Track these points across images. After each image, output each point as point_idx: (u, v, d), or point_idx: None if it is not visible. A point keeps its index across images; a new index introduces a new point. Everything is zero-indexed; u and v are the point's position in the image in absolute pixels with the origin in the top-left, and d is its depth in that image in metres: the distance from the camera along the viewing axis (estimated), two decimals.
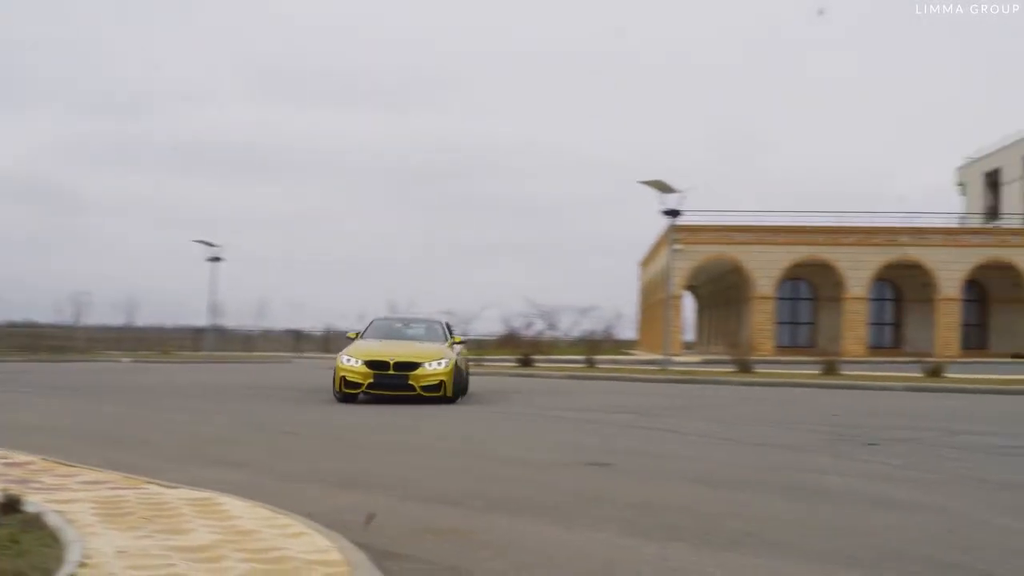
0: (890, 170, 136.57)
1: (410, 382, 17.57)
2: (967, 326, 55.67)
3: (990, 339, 57.51)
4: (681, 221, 37.37)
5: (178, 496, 6.55)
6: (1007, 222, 66.75)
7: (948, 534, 6.12)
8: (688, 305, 67.44)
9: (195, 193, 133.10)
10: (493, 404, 18.14)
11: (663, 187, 33.01)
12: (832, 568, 5.23)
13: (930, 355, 40.25)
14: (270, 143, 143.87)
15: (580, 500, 7.44)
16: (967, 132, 65.84)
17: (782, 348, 53.30)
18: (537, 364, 35.63)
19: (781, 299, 55.42)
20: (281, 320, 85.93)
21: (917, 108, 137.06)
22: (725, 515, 6.81)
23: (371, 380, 17.60)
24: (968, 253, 53.30)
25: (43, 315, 62.55)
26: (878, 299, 57.09)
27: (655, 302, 60.02)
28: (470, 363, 22.57)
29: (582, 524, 6.40)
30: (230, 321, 65.36)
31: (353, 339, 19.68)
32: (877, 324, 57.12)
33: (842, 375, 28.08)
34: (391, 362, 17.69)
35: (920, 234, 54.03)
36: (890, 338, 58.14)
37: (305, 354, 61.33)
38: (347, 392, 17.81)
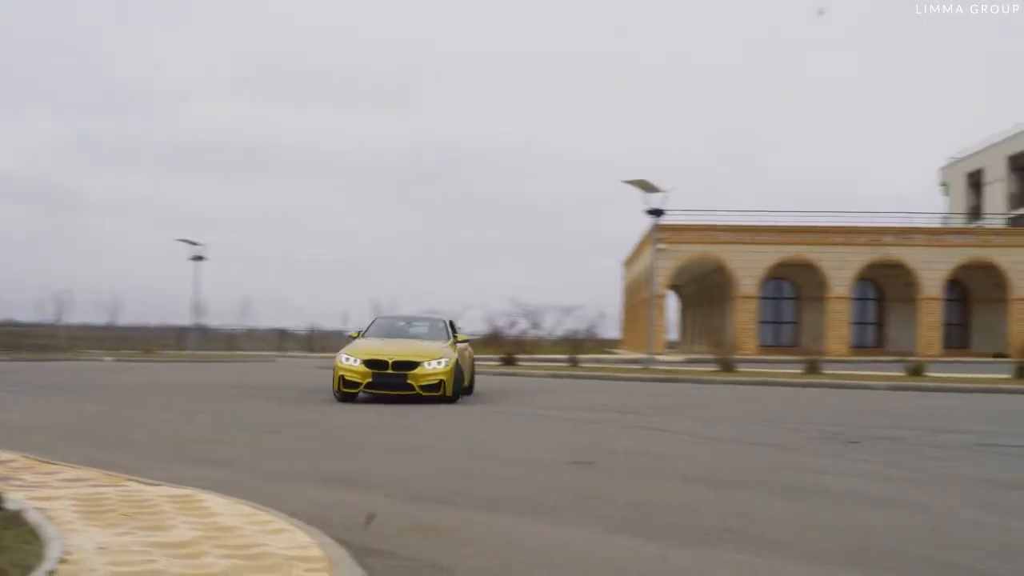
0: (890, 170, 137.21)
1: (409, 381, 17.35)
2: (949, 325, 55.90)
3: (972, 338, 57.75)
4: (665, 220, 37.45)
5: (159, 493, 6.53)
6: (989, 222, 67.15)
7: (929, 531, 6.15)
8: (671, 304, 67.56)
9: (193, 193, 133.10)
10: (475, 404, 18.14)
11: (647, 186, 33.05)
12: (813, 564, 5.25)
13: (912, 354, 40.33)
14: (268, 143, 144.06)
15: (566, 498, 7.45)
16: (967, 132, 66.60)
17: (765, 347, 53.44)
18: (520, 363, 35.61)
19: (764, 298, 55.56)
20: (265, 319, 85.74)
21: (917, 108, 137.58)
22: (709, 512, 6.82)
23: (369, 379, 17.37)
24: (950, 253, 53.53)
25: (25, 314, 62.40)
26: (861, 299, 57.28)
27: (639, 301, 60.08)
28: (476, 362, 22.31)
29: (567, 522, 6.41)
30: (214, 320, 65.35)
31: (355, 338, 19.46)
32: (860, 323, 57.32)
33: (825, 374, 28.14)
34: (390, 361, 17.45)
35: (903, 234, 54.24)
36: (873, 337, 58.33)
37: (289, 353, 61.21)
38: (346, 392, 17.59)
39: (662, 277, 50.94)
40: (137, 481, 7.07)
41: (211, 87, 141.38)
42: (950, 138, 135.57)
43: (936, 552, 5.52)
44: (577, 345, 40.86)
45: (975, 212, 74.93)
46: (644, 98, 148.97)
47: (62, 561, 4.50)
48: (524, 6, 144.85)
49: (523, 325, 47.87)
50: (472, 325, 39.50)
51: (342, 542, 5.17)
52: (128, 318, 67.19)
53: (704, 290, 64.99)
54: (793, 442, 11.67)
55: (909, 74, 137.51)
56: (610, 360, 43.71)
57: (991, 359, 46.22)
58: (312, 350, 65.85)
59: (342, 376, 17.58)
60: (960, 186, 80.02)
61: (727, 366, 30.87)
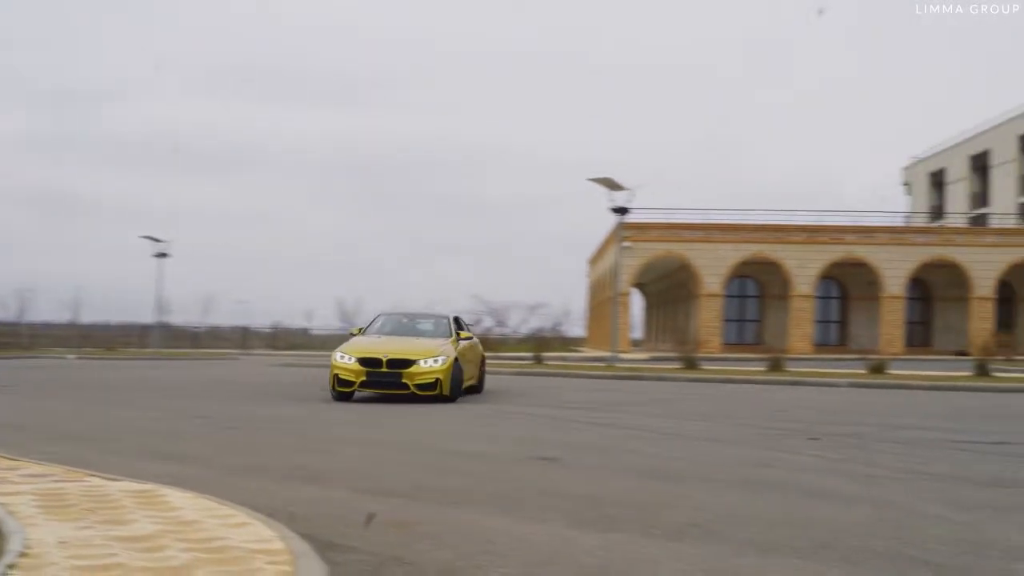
0: (890, 170, 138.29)
1: (403, 380, 16.96)
2: (911, 324, 56.41)
3: (934, 337, 58.29)
4: (630, 218, 37.57)
5: (120, 488, 6.52)
6: (951, 221, 67.82)
7: (895, 527, 6.20)
8: (636, 302, 67.84)
9: (157, 190, 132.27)
10: (448, 403, 18.12)
11: (612, 184, 33.11)
12: (775, 558, 5.30)
13: (875, 352, 40.72)
14: (233, 140, 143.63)
15: (529, 493, 7.47)
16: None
17: (729, 345, 53.76)
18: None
19: (729, 297, 55.82)
20: (228, 317, 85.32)
21: (917, 108, 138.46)
22: (669, 507, 6.88)
23: (364, 378, 17.04)
24: (913, 252, 53.98)
25: None
26: (824, 297, 57.68)
27: (603, 299, 60.26)
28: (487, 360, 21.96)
29: (529, 516, 6.44)
30: (177, 318, 64.93)
31: (355, 335, 19.10)
32: (823, 322, 57.72)
33: (788, 372, 28.32)
34: (384, 359, 17.07)
35: (866, 233, 54.65)
36: (836, 335, 58.76)
37: (253, 351, 60.91)
38: (340, 391, 17.28)
39: (627, 275, 51.13)
40: (99, 476, 7.05)
41: (171, 83, 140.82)
42: (951, 138, 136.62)
43: (902, 547, 5.58)
44: (542, 343, 40.92)
45: (937, 211, 75.68)
46: (643, 98, 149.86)
47: (23, 555, 4.50)
48: (501, 7, 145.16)
49: (488, 323, 47.94)
50: None
51: (304, 536, 5.18)
52: (91, 316, 66.69)
53: (669, 288, 65.25)
54: (755, 439, 11.76)
55: (909, 74, 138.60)
56: (575, 358, 43.77)
57: (952, 357, 46.71)
58: (276, 348, 65.60)
59: (336, 375, 17.26)
60: (922, 185, 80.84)
61: (691, 364, 31.01)
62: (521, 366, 32.98)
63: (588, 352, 55.46)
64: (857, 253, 53.90)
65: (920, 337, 57.55)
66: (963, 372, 27.21)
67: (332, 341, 68.98)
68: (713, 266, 53.62)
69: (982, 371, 26.39)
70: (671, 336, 58.76)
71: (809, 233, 54.29)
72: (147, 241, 50.93)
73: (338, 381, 17.24)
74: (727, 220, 54.83)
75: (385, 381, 17.07)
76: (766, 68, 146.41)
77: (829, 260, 53.91)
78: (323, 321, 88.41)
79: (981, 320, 52.71)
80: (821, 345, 54.81)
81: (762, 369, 29.23)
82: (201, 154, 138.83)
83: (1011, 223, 61.45)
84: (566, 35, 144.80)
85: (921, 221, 72.31)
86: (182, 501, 6.05)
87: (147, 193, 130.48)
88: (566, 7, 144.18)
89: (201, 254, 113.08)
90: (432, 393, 17.07)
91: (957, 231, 58.02)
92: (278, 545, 4.88)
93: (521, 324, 52.03)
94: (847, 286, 58.15)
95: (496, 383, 23.14)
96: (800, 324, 53.85)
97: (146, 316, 58.05)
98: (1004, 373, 27.26)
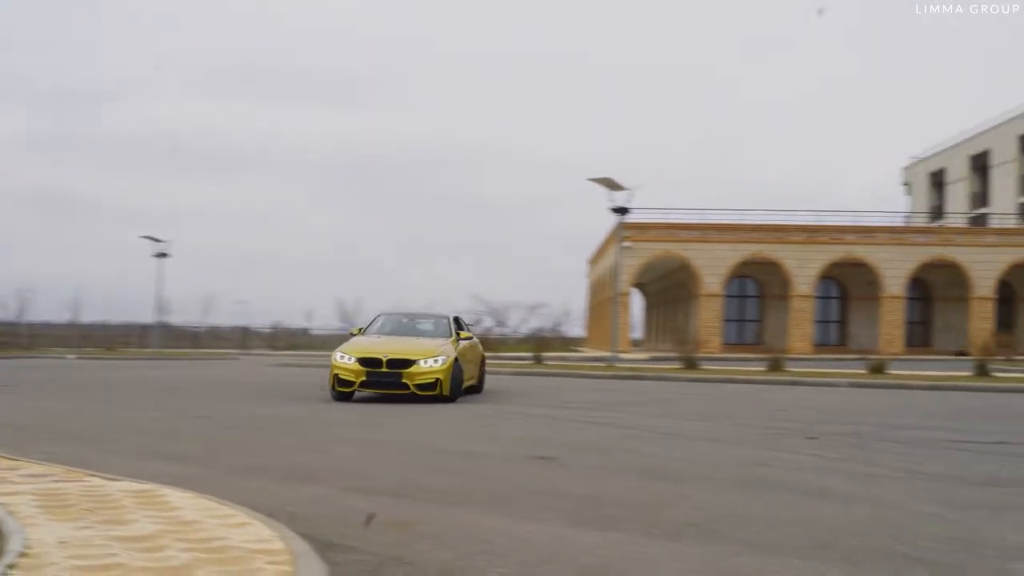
0: (890, 170, 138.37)
1: (403, 380, 16.89)
2: (911, 324, 56.43)
3: (934, 336, 58.31)
4: (630, 219, 37.57)
5: (120, 488, 6.53)
6: (951, 221, 67.83)
7: (893, 526, 6.21)
8: (636, 302, 67.84)
9: (158, 190, 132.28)
10: (451, 402, 18.12)
11: (612, 184, 33.12)
12: (774, 557, 5.31)
13: (875, 352, 40.76)
14: (233, 140, 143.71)
15: (527, 492, 7.48)
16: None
17: (729, 345, 53.78)
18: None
19: (729, 297, 55.84)
20: (228, 317, 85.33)
21: (917, 108, 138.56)
22: (668, 506, 6.89)
23: (363, 378, 16.98)
24: (913, 252, 54.00)
25: None
26: (824, 297, 57.71)
27: (603, 299, 60.28)
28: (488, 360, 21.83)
29: (528, 516, 6.44)
30: (177, 318, 64.96)
31: (355, 335, 19.02)
32: (823, 322, 57.75)
33: (788, 372, 28.34)
34: (384, 359, 17.01)
35: (866, 233, 54.66)
36: (836, 335, 58.78)
37: (253, 351, 60.92)
38: (340, 391, 17.22)
39: (627, 275, 51.15)
40: (99, 476, 7.05)
41: (182, 82, 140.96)
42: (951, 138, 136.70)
43: (900, 546, 5.58)
44: (542, 343, 40.94)
45: (937, 211, 75.70)
46: (643, 98, 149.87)
47: (23, 555, 4.50)
48: (501, 7, 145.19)
49: (488, 323, 47.94)
50: None
51: (304, 536, 5.18)
52: (91, 316, 66.68)
53: (669, 288, 65.27)
54: (754, 438, 11.76)
55: (909, 74, 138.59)
56: (575, 358, 43.79)
57: (952, 357, 46.73)
58: (276, 348, 65.60)
59: (336, 375, 17.20)
60: (922, 185, 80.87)
61: (691, 364, 31.03)
62: (521, 366, 32.99)
63: (588, 352, 55.49)
64: (857, 253, 53.91)
65: (920, 337, 57.57)
66: (963, 372, 27.23)
67: (332, 341, 68.98)
68: (713, 266, 53.63)
69: (982, 371, 26.41)
70: (671, 336, 58.78)
71: (809, 233, 54.31)
72: (147, 241, 50.95)
73: (338, 381, 17.18)
74: (726, 220, 54.88)
75: (385, 381, 17.01)
76: (766, 68, 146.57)
77: (829, 260, 53.93)
78: (323, 321, 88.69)
79: (981, 320, 52.73)
80: (821, 345, 54.84)
81: (762, 369, 29.25)
82: (201, 154, 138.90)
83: (1011, 223, 61.51)
84: (566, 35, 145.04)
85: (921, 221, 72.34)
86: (182, 501, 6.06)
87: (147, 193, 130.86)
88: (566, 7, 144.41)
89: (202, 254, 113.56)
90: (432, 393, 17.02)
91: (957, 231, 58.04)
92: (278, 545, 4.88)
93: (521, 324, 52.10)
94: (847, 286, 58.16)
95: (496, 383, 23.14)
96: (800, 324, 53.86)
97: (146, 316, 58.16)
98: (1004, 373, 27.28)
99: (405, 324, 19.61)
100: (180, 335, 64.78)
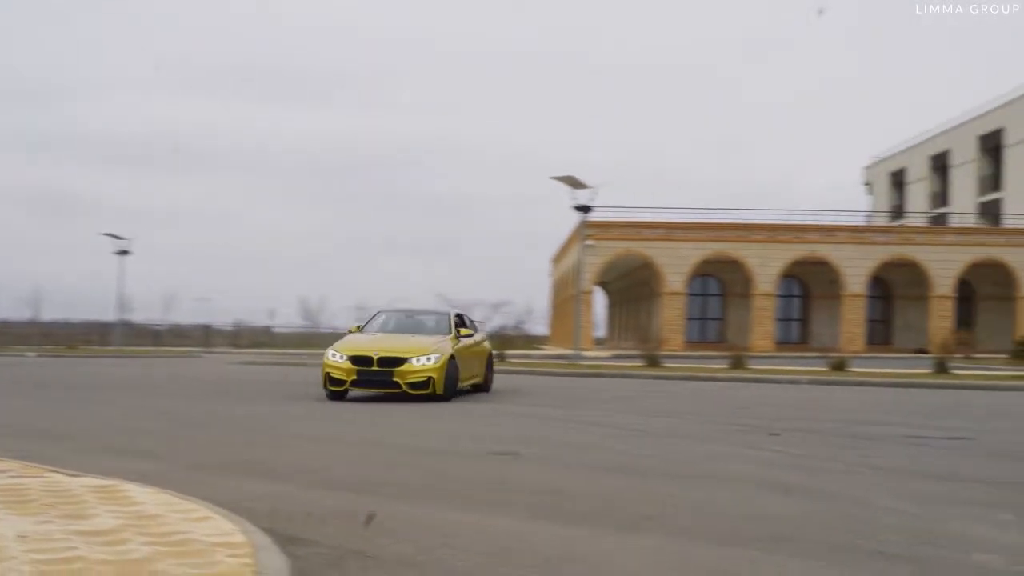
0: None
1: (395, 379, 16.52)
2: (872, 322, 56.83)
3: (894, 335, 58.76)
4: (593, 217, 37.63)
5: (81, 484, 6.49)
6: (911, 221, 68.42)
7: (853, 520, 6.27)
8: (599, 301, 68.01)
9: (119, 187, 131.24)
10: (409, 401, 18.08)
11: (575, 183, 33.17)
12: (734, 549, 5.36)
13: (836, 350, 41.07)
14: (233, 140, 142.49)
15: (489, 487, 7.51)
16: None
17: (692, 343, 53.96)
18: None
19: (691, 295, 56.00)
20: (190, 315, 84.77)
21: (917, 108, 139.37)
22: (633, 501, 6.93)
23: (354, 377, 16.66)
24: (873, 251, 54.39)
25: None
26: (786, 295, 58.00)
27: (566, 298, 60.33)
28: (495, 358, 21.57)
29: (489, 509, 6.48)
30: (139, 316, 64.55)
31: (352, 332, 18.63)
32: (785, 320, 58.06)
33: (749, 369, 28.52)
34: (375, 357, 16.65)
35: (827, 232, 54.98)
36: (797, 334, 59.10)
37: (215, 349, 60.59)
38: (332, 390, 16.88)
39: (590, 273, 51.22)
40: (60, 472, 7.01)
41: (182, 82, 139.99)
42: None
43: (860, 539, 5.64)
44: (505, 341, 40.97)
45: (898, 211, 76.32)
46: (642, 98, 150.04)
47: None
48: (501, 7, 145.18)
49: None
50: None
51: (266, 531, 5.18)
52: (52, 313, 66.18)
53: (631, 286, 65.42)
54: (715, 434, 11.85)
55: (909, 74, 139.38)
56: (537, 356, 43.87)
57: (913, 355, 47.11)
58: (238, 346, 65.27)
59: (328, 374, 16.88)
60: (883, 185, 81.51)
61: (653, 361, 31.16)
62: None
63: (551, 350, 55.52)
64: (818, 252, 54.23)
65: (881, 335, 58.02)
66: (923, 369, 27.49)
67: (294, 339, 68.52)
68: (675, 264, 53.79)
69: (941, 368, 26.67)
70: (634, 334, 58.95)
71: (771, 232, 54.58)
72: (108, 238, 50.55)
73: (330, 380, 16.88)
74: (689, 219, 55.00)
75: (376, 380, 16.70)
76: (766, 68, 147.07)
77: (791, 259, 54.22)
78: (285, 320, 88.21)
79: (941, 318, 53.16)
80: (783, 343, 55.15)
81: (724, 367, 29.40)
82: (201, 154, 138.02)
83: (970, 223, 62.11)
84: (566, 35, 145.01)
85: (882, 220, 72.89)
86: (144, 496, 6.04)
87: (146, 192, 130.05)
88: (566, 7, 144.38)
89: (162, 252, 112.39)
90: (425, 392, 16.66)
91: (917, 230, 58.49)
92: (239, 538, 4.88)
93: (485, 322, 52.02)
94: (808, 284, 58.51)
95: None
96: (762, 322, 54.13)
97: (108, 314, 57.74)
98: (963, 371, 27.57)
99: (404, 321, 19.21)
100: (141, 333, 64.36)
